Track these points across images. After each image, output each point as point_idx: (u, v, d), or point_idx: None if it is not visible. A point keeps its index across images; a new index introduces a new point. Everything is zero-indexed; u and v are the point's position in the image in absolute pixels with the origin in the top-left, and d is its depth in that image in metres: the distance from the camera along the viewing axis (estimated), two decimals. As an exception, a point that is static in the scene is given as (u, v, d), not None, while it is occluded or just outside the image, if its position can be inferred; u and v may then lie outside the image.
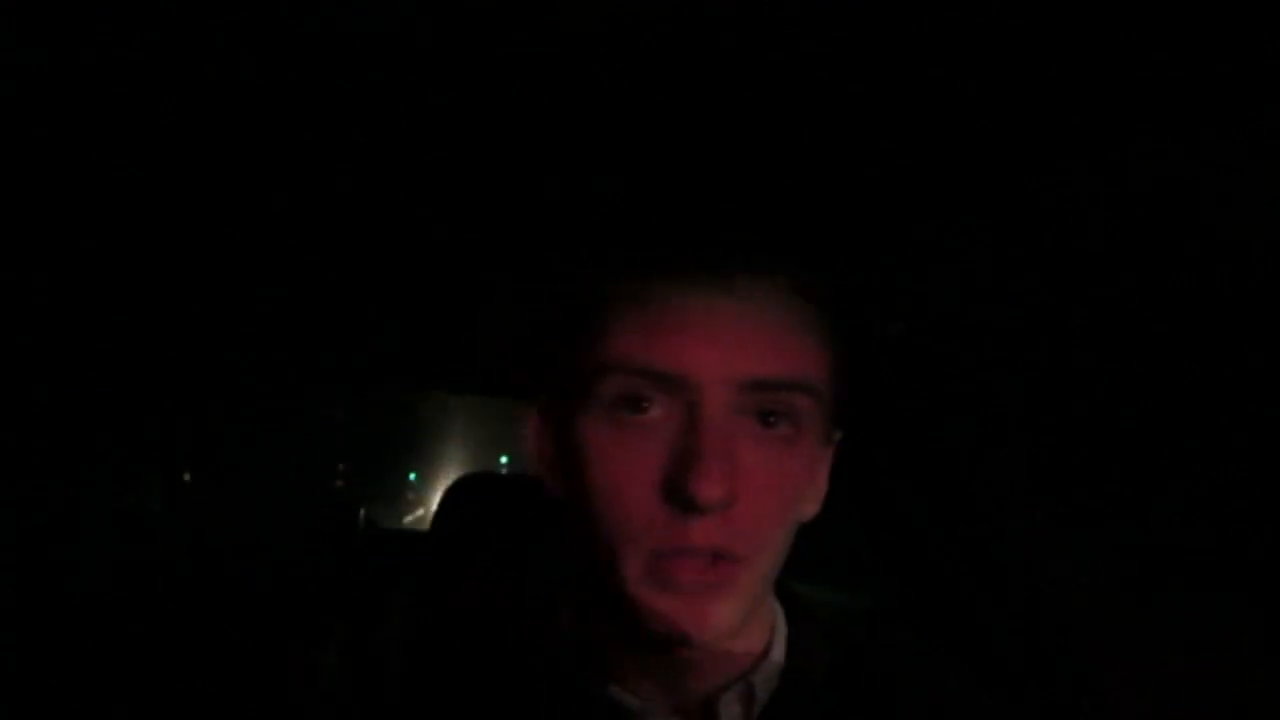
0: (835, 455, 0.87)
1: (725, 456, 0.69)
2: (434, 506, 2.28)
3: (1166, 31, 0.81)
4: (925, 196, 1.15)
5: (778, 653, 0.84)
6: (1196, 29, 0.80)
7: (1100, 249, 1.14)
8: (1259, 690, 1.00)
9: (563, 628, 0.86)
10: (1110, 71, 0.88)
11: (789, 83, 0.93)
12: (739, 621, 0.74)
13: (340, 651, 0.93)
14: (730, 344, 0.71)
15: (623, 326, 0.73)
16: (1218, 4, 0.77)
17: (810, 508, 0.84)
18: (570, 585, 0.86)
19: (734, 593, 0.72)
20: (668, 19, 0.83)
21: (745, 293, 0.72)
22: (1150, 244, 1.10)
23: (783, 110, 0.99)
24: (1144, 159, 1.00)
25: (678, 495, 0.69)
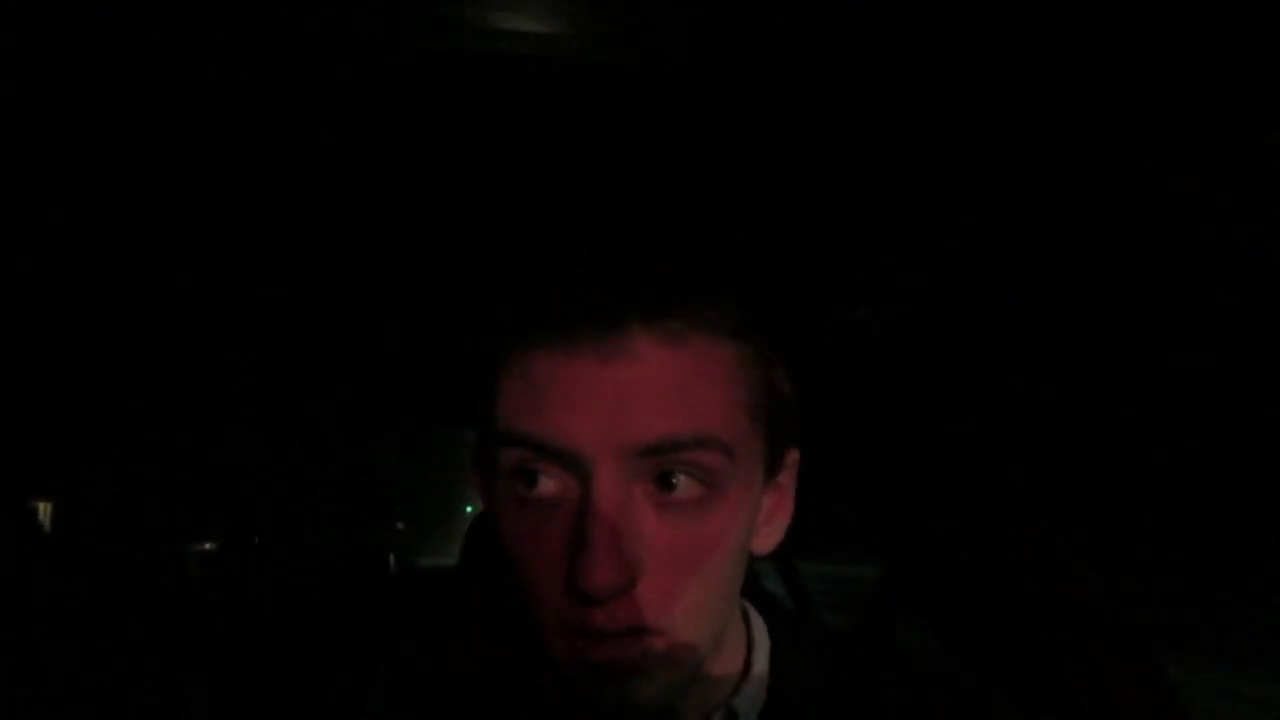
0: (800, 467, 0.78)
1: (615, 541, 0.61)
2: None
3: (1166, 32, 0.74)
4: (891, 201, 1.10)
5: (760, 667, 0.77)
6: (1195, 29, 0.74)
7: (1098, 250, 1.07)
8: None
9: (538, 674, 0.81)
10: (1105, 72, 0.81)
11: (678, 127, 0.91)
12: (672, 693, 0.66)
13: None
14: (613, 410, 0.62)
15: (512, 397, 0.66)
16: (1218, 4, 0.72)
17: (766, 541, 0.76)
18: None
19: (659, 668, 0.64)
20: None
21: (626, 350, 0.64)
22: (1148, 245, 1.04)
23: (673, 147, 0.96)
24: (1141, 159, 0.93)
25: (572, 585, 0.62)
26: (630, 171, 1.06)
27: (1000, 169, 1.01)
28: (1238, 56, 0.78)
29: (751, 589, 0.81)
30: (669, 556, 0.64)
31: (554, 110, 0.90)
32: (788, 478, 0.77)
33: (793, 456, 0.77)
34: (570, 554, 0.63)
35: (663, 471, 0.64)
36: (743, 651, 0.79)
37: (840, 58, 0.82)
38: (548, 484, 0.65)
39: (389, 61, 0.81)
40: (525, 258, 1.22)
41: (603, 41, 0.80)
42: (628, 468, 0.64)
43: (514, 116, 0.91)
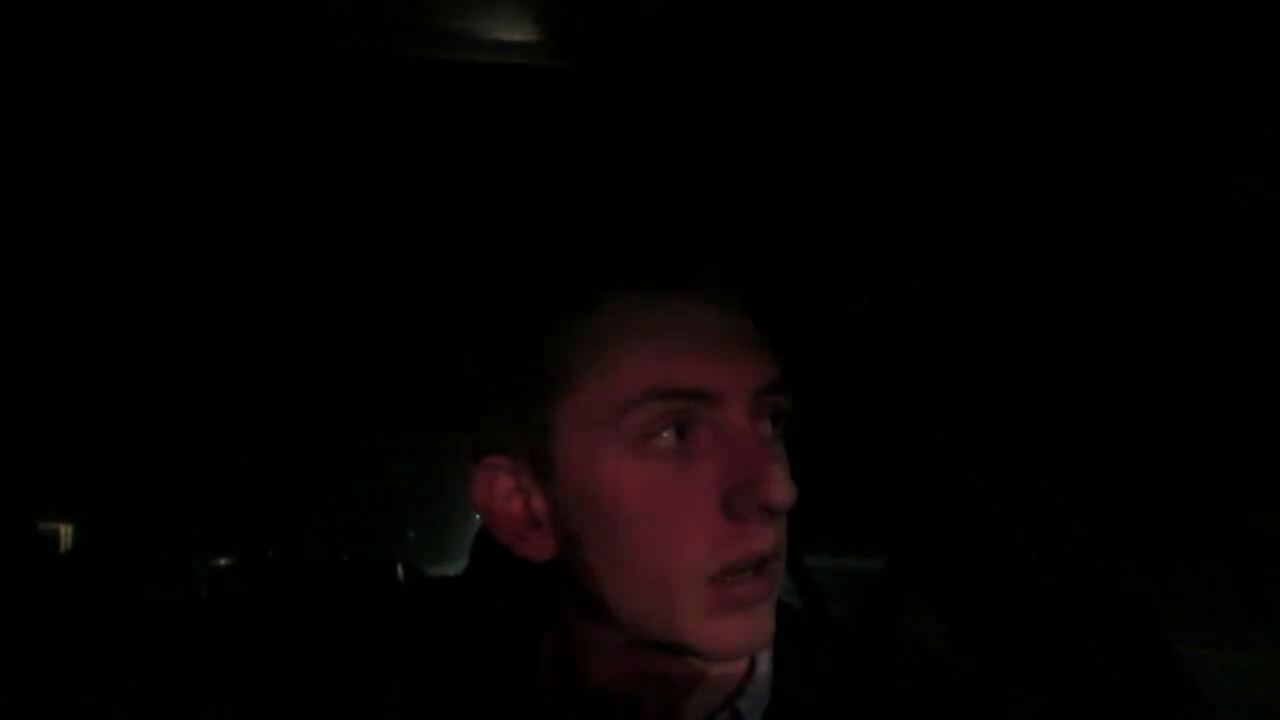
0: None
1: (782, 459, 0.67)
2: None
3: (1165, 30, 0.71)
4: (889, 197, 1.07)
5: (764, 667, 0.75)
6: (1195, 27, 0.71)
7: (1104, 242, 1.05)
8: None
9: (543, 680, 0.78)
10: (1106, 69, 0.78)
11: (742, 100, 0.87)
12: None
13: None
14: (737, 355, 0.67)
15: (637, 355, 0.66)
16: (1217, 4, 0.68)
17: None
18: (553, 636, 0.79)
19: (775, 594, 0.68)
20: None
21: (729, 305, 0.70)
22: (1150, 241, 1.01)
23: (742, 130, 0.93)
24: (1142, 158, 0.91)
25: (748, 507, 0.64)
26: (616, 171, 1.04)
27: (1000, 166, 0.99)
28: (1239, 56, 0.75)
29: None
30: None
31: (545, 114, 0.87)
32: None
33: None
34: (737, 484, 0.64)
35: (766, 412, 0.69)
36: None
37: (816, 50, 0.79)
38: (684, 430, 0.66)
39: (368, 66, 0.79)
40: (522, 259, 1.21)
41: (578, 45, 0.77)
42: (751, 407, 0.67)
43: (501, 121, 0.88)
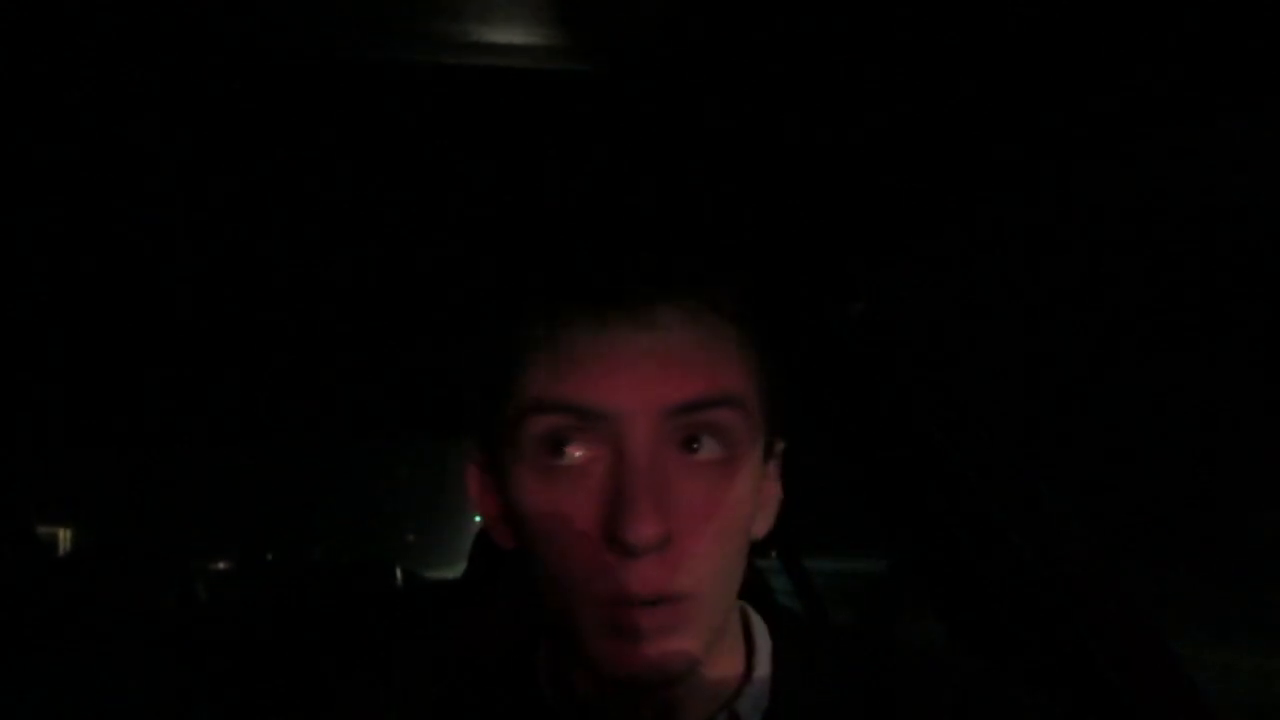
0: (783, 465, 0.77)
1: (654, 494, 0.61)
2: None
3: (1164, 30, 0.71)
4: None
5: (762, 670, 0.74)
6: (1194, 29, 0.71)
7: (1104, 243, 1.04)
8: None
9: (540, 682, 0.77)
10: (1104, 68, 0.78)
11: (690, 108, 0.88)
12: (699, 657, 0.66)
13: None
14: (647, 373, 0.64)
15: (537, 368, 0.65)
16: (1217, 4, 0.69)
17: (760, 526, 0.74)
18: (546, 633, 0.79)
19: (689, 631, 0.64)
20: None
21: (654, 321, 0.65)
22: (1148, 241, 1.01)
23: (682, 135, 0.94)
24: (1141, 158, 0.91)
25: (613, 540, 0.61)
26: (615, 176, 1.04)
27: (1000, 166, 0.98)
28: (1239, 55, 0.75)
29: (753, 589, 0.79)
30: (698, 518, 0.64)
31: (541, 118, 0.87)
32: (775, 467, 0.76)
33: (780, 446, 0.76)
34: (607, 514, 0.62)
35: (689, 434, 0.65)
36: (743, 654, 0.76)
37: (816, 50, 0.79)
38: (578, 450, 0.64)
39: (367, 72, 0.79)
40: (530, 256, 1.22)
41: (579, 51, 0.77)
42: (660, 429, 0.64)
43: (502, 125, 0.88)
